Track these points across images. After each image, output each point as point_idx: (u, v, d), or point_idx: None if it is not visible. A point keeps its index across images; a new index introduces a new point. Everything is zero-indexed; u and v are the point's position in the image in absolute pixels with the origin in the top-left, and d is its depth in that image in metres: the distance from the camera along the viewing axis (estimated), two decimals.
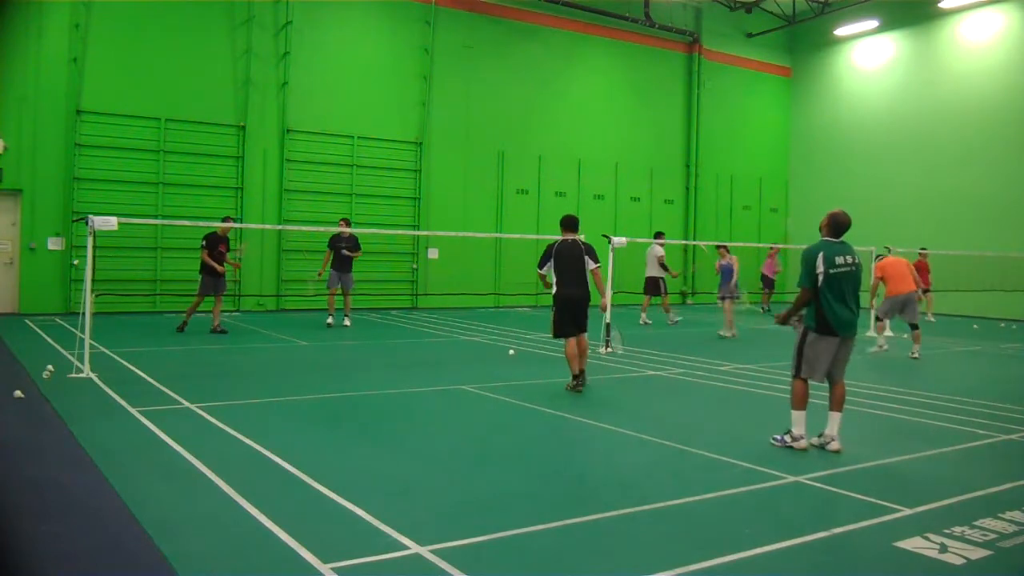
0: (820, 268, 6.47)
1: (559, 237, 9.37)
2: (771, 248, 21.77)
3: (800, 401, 6.62)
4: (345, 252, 15.11)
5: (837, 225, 6.65)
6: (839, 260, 6.50)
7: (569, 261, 9.06)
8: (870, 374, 11.05)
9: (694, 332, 16.47)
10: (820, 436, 6.69)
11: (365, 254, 19.48)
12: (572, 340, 8.96)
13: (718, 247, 16.01)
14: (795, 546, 4.44)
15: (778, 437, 6.75)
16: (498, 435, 7.21)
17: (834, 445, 6.56)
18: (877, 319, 13.74)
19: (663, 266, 17.06)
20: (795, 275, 7.15)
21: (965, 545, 4.48)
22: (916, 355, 12.63)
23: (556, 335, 9.09)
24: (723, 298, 15.28)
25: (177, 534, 4.36)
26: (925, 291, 19.36)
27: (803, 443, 6.58)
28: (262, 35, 18.30)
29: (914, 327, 12.66)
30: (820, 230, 6.77)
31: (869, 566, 4.32)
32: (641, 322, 17.24)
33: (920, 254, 18.94)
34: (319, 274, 15.40)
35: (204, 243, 13.68)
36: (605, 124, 23.20)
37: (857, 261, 6.62)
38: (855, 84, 25.11)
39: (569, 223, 9.36)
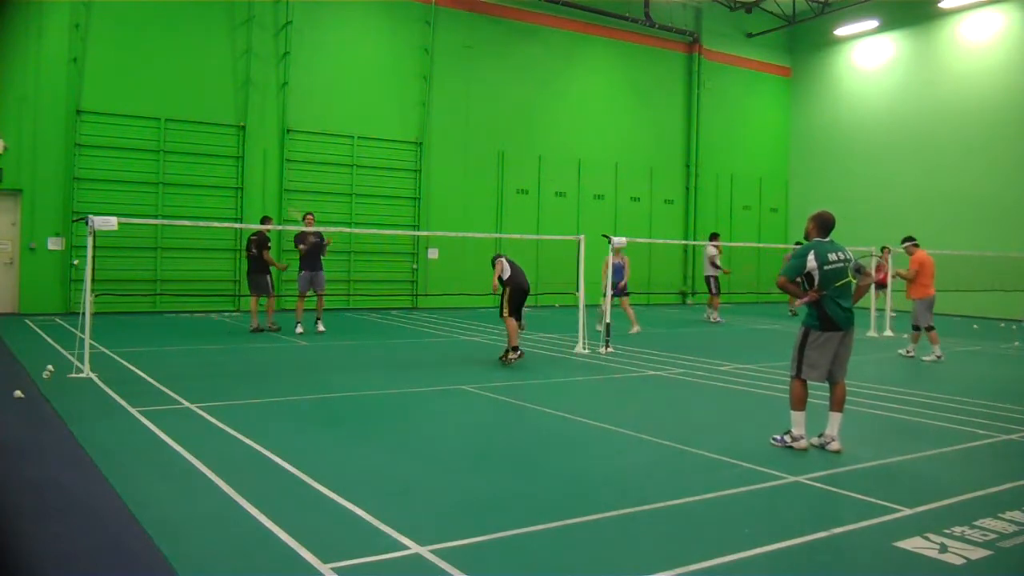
0: (812, 264, 6.53)
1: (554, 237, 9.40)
2: (794, 248, 21.43)
3: (799, 402, 6.62)
4: (313, 240, 13.83)
5: (824, 224, 6.76)
6: (831, 257, 6.58)
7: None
8: (870, 374, 11.05)
9: (694, 332, 16.48)
10: (820, 436, 6.70)
11: (365, 254, 19.57)
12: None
13: (614, 247, 15.44)
14: (795, 546, 4.44)
15: (777, 437, 6.75)
16: (498, 435, 7.21)
17: (834, 445, 6.56)
18: (915, 328, 12.63)
19: (715, 265, 17.75)
20: (766, 273, 7.29)
21: (965, 545, 4.48)
22: (911, 353, 12.66)
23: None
24: (619, 295, 14.95)
25: (177, 534, 4.36)
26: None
27: (803, 443, 6.58)
28: (262, 35, 18.30)
29: (916, 328, 12.59)
30: (806, 235, 6.86)
31: (869, 566, 4.31)
32: (712, 320, 18.01)
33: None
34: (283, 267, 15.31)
35: (270, 244, 14.01)
36: (605, 124, 23.20)
37: (849, 257, 6.68)
38: (855, 84, 25.10)
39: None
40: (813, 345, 6.55)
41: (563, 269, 17.08)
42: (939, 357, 12.47)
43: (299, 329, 13.88)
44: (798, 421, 6.62)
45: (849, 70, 25.29)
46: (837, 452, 6.51)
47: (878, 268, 21.27)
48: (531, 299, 20.61)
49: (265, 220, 14.84)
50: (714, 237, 18.62)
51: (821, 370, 6.55)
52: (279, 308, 15.40)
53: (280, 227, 16.70)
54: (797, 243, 21.87)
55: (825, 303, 6.53)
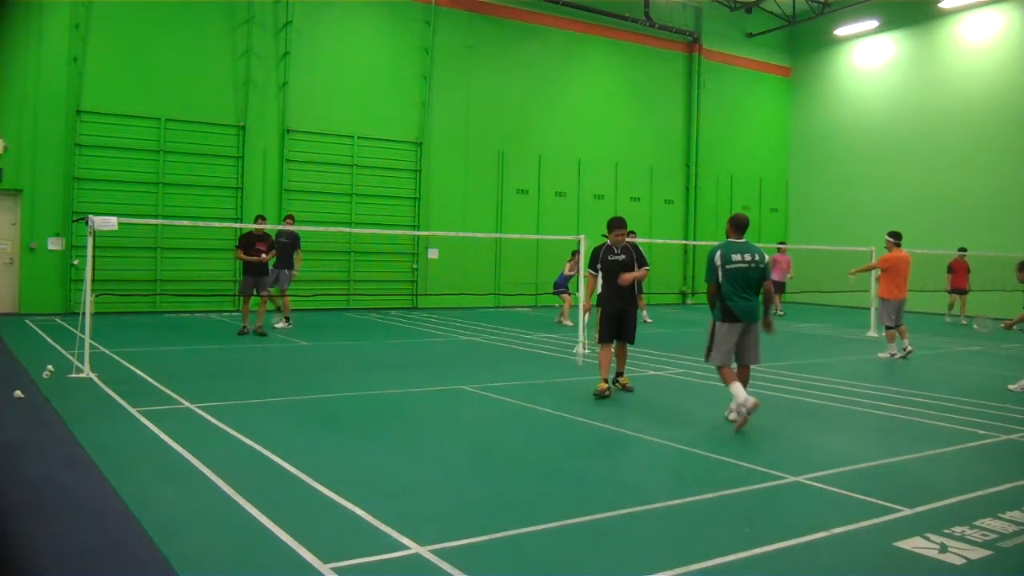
0: (718, 263, 7.38)
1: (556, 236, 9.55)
2: (778, 249, 21.29)
3: (729, 377, 7.32)
4: (283, 241, 14.09)
5: (737, 225, 7.61)
6: (735, 257, 7.39)
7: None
8: (870, 374, 11.06)
9: (694, 332, 16.47)
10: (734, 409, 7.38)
11: (365, 254, 19.60)
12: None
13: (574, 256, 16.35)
14: (795, 546, 4.44)
15: (732, 408, 7.32)
16: (498, 435, 7.21)
17: (749, 407, 7.14)
18: (887, 328, 12.60)
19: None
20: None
21: (965, 545, 4.48)
22: (894, 355, 12.52)
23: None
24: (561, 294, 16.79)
25: (177, 534, 4.36)
26: (963, 292, 19.30)
27: (749, 403, 7.07)
28: (262, 35, 18.30)
29: (898, 325, 12.55)
30: (726, 235, 7.68)
31: (869, 566, 4.31)
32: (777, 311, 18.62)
33: (959, 254, 18.92)
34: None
35: (238, 244, 13.72)
36: (605, 124, 23.20)
37: (757, 258, 7.41)
38: (855, 84, 25.10)
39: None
40: (718, 335, 7.41)
41: (563, 269, 17.15)
42: (893, 355, 12.43)
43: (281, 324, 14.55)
44: (737, 391, 7.21)
45: (849, 70, 25.29)
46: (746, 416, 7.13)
47: (774, 265, 21.34)
48: (531, 299, 20.81)
49: (287, 218, 14.91)
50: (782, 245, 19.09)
51: (725, 356, 7.38)
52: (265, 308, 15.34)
53: (292, 227, 16.48)
54: (781, 243, 22.05)
55: (727, 298, 7.34)
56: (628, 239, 9.13)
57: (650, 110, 24.19)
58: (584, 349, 11.87)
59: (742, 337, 7.40)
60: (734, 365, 7.50)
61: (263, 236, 13.67)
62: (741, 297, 7.33)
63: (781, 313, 21.27)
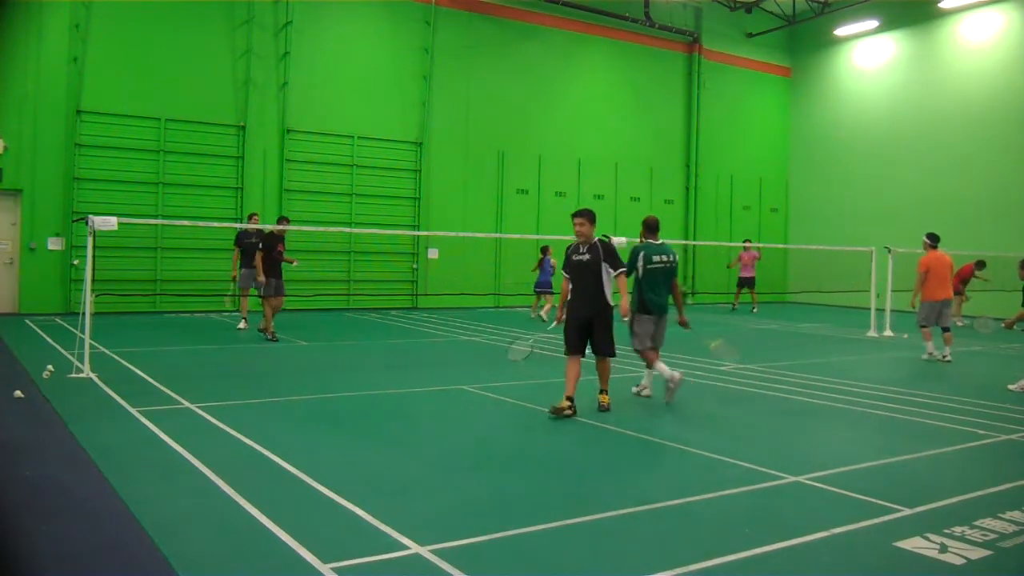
0: (640, 263, 8.33)
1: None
2: (744, 246, 21.45)
3: (652, 358, 8.51)
4: (252, 241, 13.69)
5: (649, 227, 8.66)
6: (655, 259, 8.38)
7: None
8: (870, 374, 11.06)
9: (695, 332, 16.44)
10: (637, 386, 8.84)
11: (365, 254, 19.60)
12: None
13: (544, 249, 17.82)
14: (795, 546, 4.44)
15: (642, 387, 8.75)
16: (498, 435, 7.21)
17: (646, 392, 8.70)
18: (921, 327, 12.51)
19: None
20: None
21: (965, 545, 4.48)
22: (933, 355, 12.43)
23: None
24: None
25: (177, 534, 4.36)
26: (958, 293, 19.23)
27: (676, 377, 8.31)
28: (262, 35, 18.30)
29: (946, 330, 12.42)
30: (641, 236, 8.64)
31: (869, 566, 4.31)
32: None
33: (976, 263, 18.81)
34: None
35: (260, 244, 13.16)
36: (605, 124, 23.19)
37: (672, 259, 8.47)
38: (855, 84, 25.10)
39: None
40: (638, 325, 8.44)
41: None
42: (931, 355, 12.37)
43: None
44: (662, 369, 8.39)
45: (849, 70, 25.29)
46: (649, 396, 8.57)
47: (741, 261, 21.48)
48: (531, 299, 20.80)
49: (281, 220, 14.54)
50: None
51: (645, 341, 8.46)
52: (254, 309, 15.27)
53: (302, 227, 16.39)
54: (745, 240, 22.24)
55: (644, 293, 8.37)
56: (616, 240, 9.02)
57: (650, 110, 24.18)
58: (528, 348, 10.23)
59: (656, 326, 8.49)
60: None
61: (281, 237, 13.47)
62: (657, 293, 8.40)
63: (753, 309, 21.50)
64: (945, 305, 12.45)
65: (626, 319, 8.37)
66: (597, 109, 23.07)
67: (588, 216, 7.85)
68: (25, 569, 3.93)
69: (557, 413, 7.56)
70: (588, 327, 7.80)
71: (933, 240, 12.70)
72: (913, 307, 12.70)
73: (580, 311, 7.81)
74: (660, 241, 8.61)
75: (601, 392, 8.07)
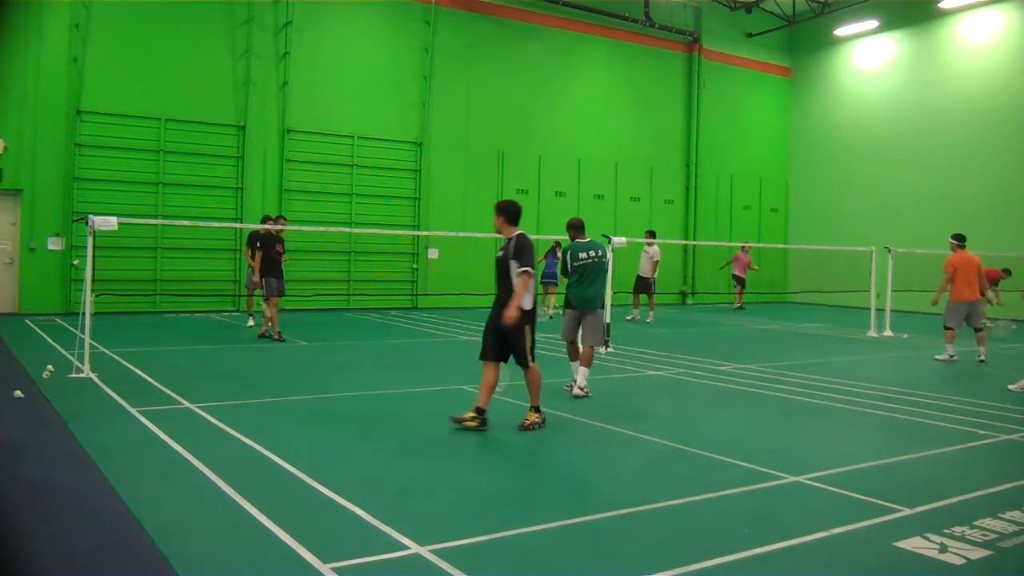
0: (568, 261, 8.71)
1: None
2: (742, 247, 21.56)
3: (573, 355, 8.87)
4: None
5: (574, 227, 8.99)
6: (582, 255, 8.66)
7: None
8: (870, 374, 11.05)
9: (695, 332, 16.48)
10: (569, 385, 8.80)
11: (365, 254, 19.61)
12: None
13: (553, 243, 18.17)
14: (795, 546, 4.44)
15: (572, 385, 8.75)
16: (498, 435, 7.20)
17: (577, 391, 8.60)
18: (946, 328, 12.40)
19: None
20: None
21: (965, 545, 4.48)
22: (953, 356, 12.39)
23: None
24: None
25: (177, 534, 4.36)
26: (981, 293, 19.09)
27: (582, 391, 8.57)
28: (262, 35, 18.30)
29: (978, 330, 12.41)
30: (570, 238, 8.95)
31: (869, 566, 4.31)
32: (649, 321, 17.77)
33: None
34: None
35: (259, 244, 13.06)
36: (605, 124, 23.19)
37: (599, 254, 8.69)
38: (855, 84, 25.10)
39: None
40: (566, 317, 8.80)
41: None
42: (952, 357, 12.32)
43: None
44: (576, 368, 8.70)
45: (849, 70, 25.29)
46: (580, 396, 8.51)
47: (737, 261, 21.52)
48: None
49: (278, 219, 14.30)
50: (651, 235, 17.76)
51: (570, 335, 8.79)
52: (259, 309, 15.19)
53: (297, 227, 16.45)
54: (743, 245, 22.33)
55: (570, 289, 8.76)
56: (616, 241, 9.16)
57: (650, 110, 24.18)
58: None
59: (582, 322, 8.65)
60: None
61: (280, 237, 13.39)
62: (581, 288, 8.64)
63: (738, 306, 21.70)
64: (975, 305, 12.37)
65: (509, 324, 6.95)
66: (597, 109, 23.07)
67: (500, 208, 7.10)
68: (25, 569, 3.93)
69: (458, 423, 6.89)
70: (504, 332, 7.04)
71: (960, 240, 12.67)
72: (935, 304, 12.66)
73: (496, 313, 7.10)
74: (587, 239, 8.89)
75: (530, 409, 7.13)
